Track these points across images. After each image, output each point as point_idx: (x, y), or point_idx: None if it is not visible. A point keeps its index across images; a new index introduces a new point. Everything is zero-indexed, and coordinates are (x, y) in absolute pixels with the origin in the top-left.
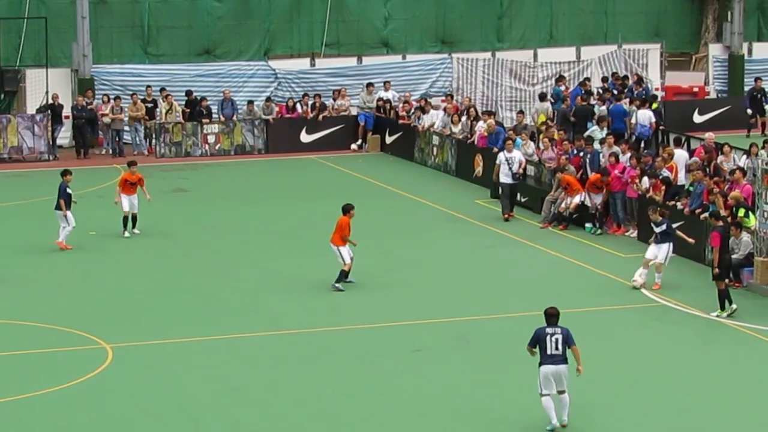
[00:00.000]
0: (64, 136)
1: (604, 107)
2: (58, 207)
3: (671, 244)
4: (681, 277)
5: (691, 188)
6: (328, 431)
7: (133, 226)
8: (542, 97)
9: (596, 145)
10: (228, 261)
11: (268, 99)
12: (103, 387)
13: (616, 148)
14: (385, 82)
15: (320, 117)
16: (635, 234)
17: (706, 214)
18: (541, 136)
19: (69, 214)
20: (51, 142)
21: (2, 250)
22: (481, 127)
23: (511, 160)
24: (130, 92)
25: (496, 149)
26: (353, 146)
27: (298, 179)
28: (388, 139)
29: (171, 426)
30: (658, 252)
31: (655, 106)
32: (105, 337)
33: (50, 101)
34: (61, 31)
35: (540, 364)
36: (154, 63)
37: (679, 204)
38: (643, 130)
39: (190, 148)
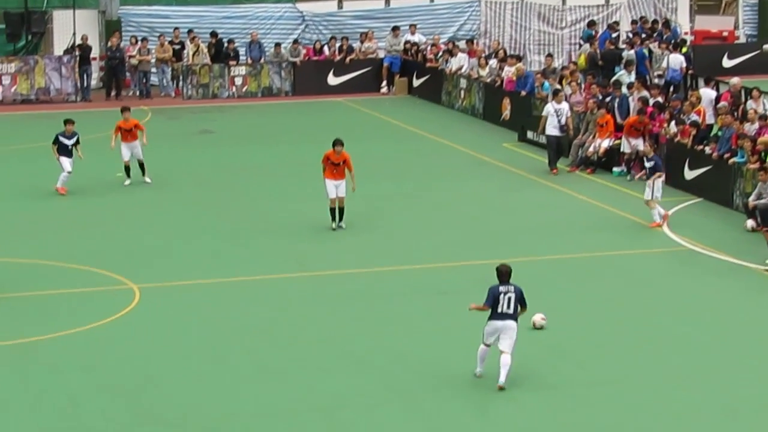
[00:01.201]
0: (93, 77)
1: (632, 51)
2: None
3: (661, 179)
4: (708, 222)
5: (719, 133)
6: (355, 372)
7: (143, 174)
8: (588, 38)
9: (624, 90)
10: (254, 203)
11: (296, 41)
12: (129, 327)
13: (644, 93)
14: (411, 25)
15: (347, 60)
16: (663, 178)
17: (735, 159)
18: (564, 81)
19: (63, 159)
20: (78, 84)
21: (31, 191)
22: (509, 70)
23: (559, 112)
24: (158, 34)
25: (524, 93)
26: (383, 89)
27: (325, 122)
28: (416, 83)
29: (197, 367)
30: (655, 189)
31: (684, 50)
32: (132, 277)
33: (79, 42)
34: None
35: (489, 318)
36: (182, 5)
37: (707, 149)
38: (674, 74)
39: (217, 90)
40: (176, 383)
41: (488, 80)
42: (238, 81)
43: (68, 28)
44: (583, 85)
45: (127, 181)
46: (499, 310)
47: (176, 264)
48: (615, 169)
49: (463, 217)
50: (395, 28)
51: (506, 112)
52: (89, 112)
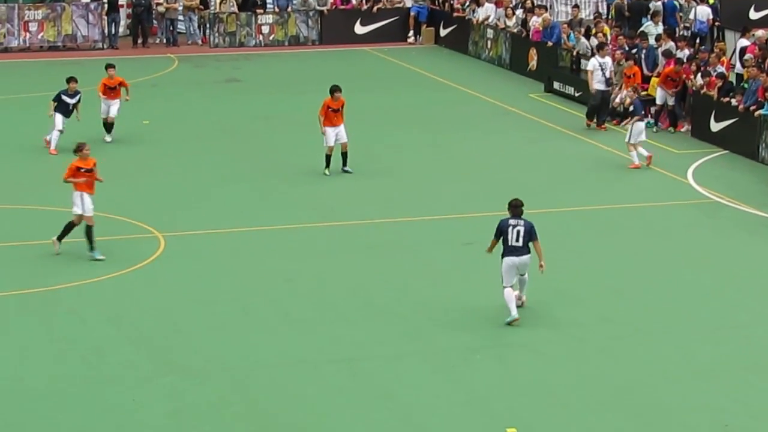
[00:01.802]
0: (120, 25)
1: (659, 2)
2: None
3: (642, 123)
4: (734, 174)
5: (745, 85)
6: (378, 322)
7: (108, 132)
8: None
9: (651, 41)
10: (280, 152)
11: None
12: (154, 275)
13: (670, 44)
14: None
15: (374, 9)
16: (689, 130)
17: (761, 111)
18: (593, 31)
19: (57, 117)
20: (105, 31)
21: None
22: (535, 21)
23: (604, 66)
24: None
25: (550, 43)
26: (410, 38)
27: (352, 71)
28: (443, 32)
29: (221, 315)
30: (634, 132)
31: (711, 1)
32: (158, 226)
33: None
34: None
35: (502, 256)
36: None
37: (733, 101)
38: (701, 26)
39: (244, 38)
40: (200, 333)
41: (515, 30)
42: (265, 29)
43: None
44: (609, 37)
45: (107, 138)
46: (510, 243)
47: (201, 213)
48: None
49: (488, 168)
50: None
51: (533, 63)
52: (116, 60)
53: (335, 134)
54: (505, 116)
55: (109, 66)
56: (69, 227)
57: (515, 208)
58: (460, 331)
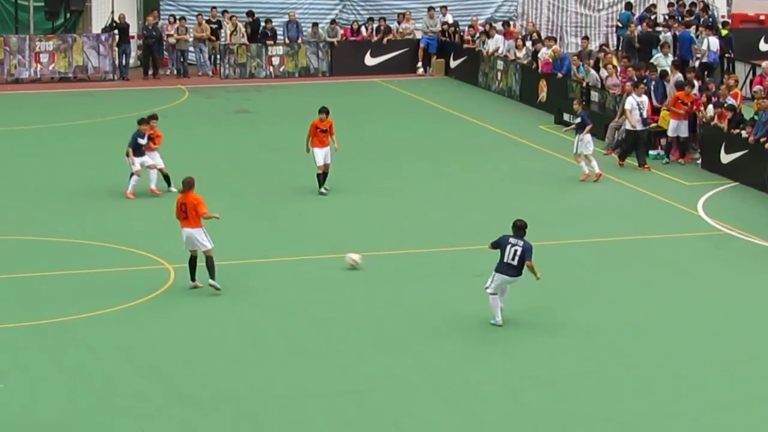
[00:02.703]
0: (131, 56)
1: (669, 34)
2: (127, 154)
3: (589, 135)
4: (744, 206)
5: (756, 117)
6: (389, 354)
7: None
8: (625, 21)
9: (666, 68)
10: (289, 183)
11: (333, 21)
12: (164, 307)
13: (678, 75)
14: (442, 7)
15: (385, 40)
16: (699, 161)
17: None
18: (602, 63)
19: (136, 160)
20: (116, 62)
21: (68, 169)
22: (545, 52)
23: (642, 105)
24: (195, 12)
25: (560, 75)
26: (420, 70)
27: (362, 102)
28: (453, 63)
29: (230, 346)
30: (581, 144)
31: (725, 32)
32: (167, 257)
33: (117, 21)
34: None
35: (496, 270)
36: None
37: (743, 132)
38: (714, 57)
39: (255, 69)
40: (210, 364)
41: (525, 62)
42: (276, 61)
43: (106, 6)
44: (619, 68)
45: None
46: (505, 259)
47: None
48: (651, 151)
49: (498, 199)
50: (430, 9)
51: (543, 94)
52: (127, 91)
53: (323, 154)
54: (515, 147)
55: (151, 118)
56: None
57: (519, 228)
58: (470, 363)
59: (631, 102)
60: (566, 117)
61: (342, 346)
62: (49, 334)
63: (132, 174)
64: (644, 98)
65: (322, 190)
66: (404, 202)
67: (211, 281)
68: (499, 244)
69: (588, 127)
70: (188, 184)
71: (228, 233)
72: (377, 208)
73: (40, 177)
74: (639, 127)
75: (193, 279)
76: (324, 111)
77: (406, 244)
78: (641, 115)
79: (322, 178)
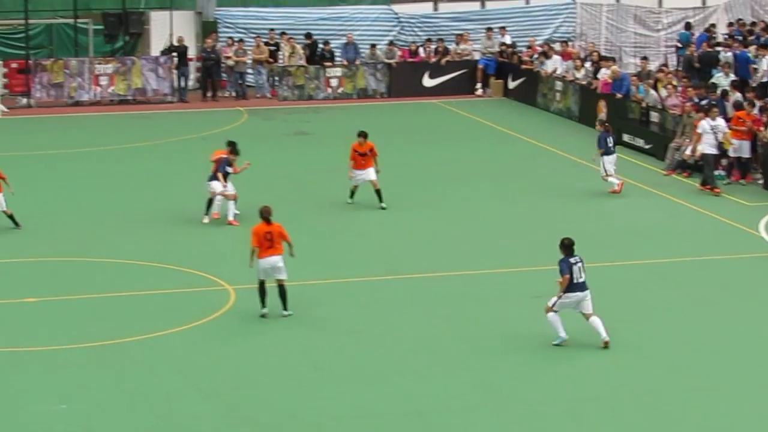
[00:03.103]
0: (190, 78)
1: (729, 54)
2: (213, 178)
3: (612, 155)
4: None
5: None
6: (450, 375)
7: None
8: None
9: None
10: (348, 205)
11: (391, 43)
12: (225, 328)
13: (737, 95)
14: (501, 28)
15: (443, 61)
16: (761, 182)
17: None
18: (661, 83)
19: (217, 184)
20: (175, 85)
21: (125, 191)
22: (604, 73)
23: (716, 129)
24: (254, 35)
25: (619, 95)
26: (478, 91)
27: (420, 123)
28: (511, 84)
29: (291, 367)
30: (604, 164)
31: None
32: (228, 278)
33: (175, 43)
34: None
35: (566, 291)
36: (278, 6)
37: None
38: None
39: (313, 91)
40: (270, 385)
41: (584, 82)
42: (334, 82)
43: (165, 28)
44: (679, 88)
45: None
46: (575, 280)
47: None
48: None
49: (557, 220)
50: (488, 29)
51: (602, 115)
52: (185, 113)
53: (360, 177)
54: (573, 168)
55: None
56: (282, 291)
57: (569, 247)
58: (530, 384)
59: (704, 126)
60: (626, 138)
61: (403, 366)
62: (109, 355)
63: (211, 199)
64: (719, 121)
65: (350, 200)
66: (464, 222)
67: (285, 312)
68: (570, 270)
69: (599, 150)
70: (269, 213)
71: (288, 254)
72: (437, 228)
73: (101, 199)
74: (713, 151)
75: (264, 306)
76: (362, 135)
77: (466, 265)
78: (716, 138)
79: (354, 193)
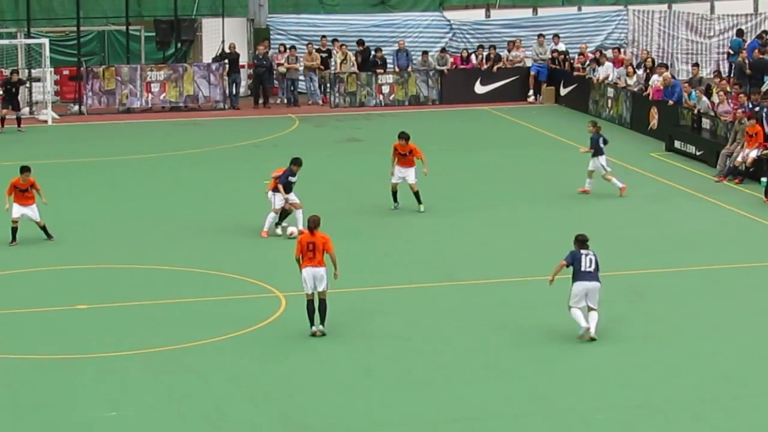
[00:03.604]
0: (241, 85)
1: None
2: (275, 189)
3: (604, 155)
4: None
5: None
6: (500, 382)
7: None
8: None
9: None
10: (400, 211)
11: (443, 50)
12: (275, 335)
13: None
14: (554, 35)
15: (495, 68)
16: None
17: None
18: (714, 90)
19: (280, 198)
20: (227, 92)
21: (177, 198)
22: (656, 80)
23: None
24: (305, 42)
25: (671, 102)
26: (530, 98)
27: (472, 130)
28: (563, 91)
29: (341, 374)
30: (596, 164)
31: None
32: (279, 285)
33: (227, 50)
34: None
35: (574, 281)
36: (330, 13)
37: None
38: None
39: (365, 98)
40: (321, 392)
41: (636, 89)
42: (385, 89)
43: (217, 35)
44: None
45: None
46: (582, 268)
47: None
48: (763, 179)
49: (609, 227)
50: (540, 36)
51: (654, 122)
52: (237, 120)
53: (400, 175)
54: (625, 175)
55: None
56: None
57: (583, 242)
58: (580, 391)
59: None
60: (677, 144)
61: (453, 373)
62: (161, 362)
63: (271, 212)
64: None
65: (393, 207)
66: (515, 229)
67: (321, 327)
68: (574, 258)
69: (590, 149)
70: (315, 223)
71: (340, 260)
72: (488, 235)
73: (152, 206)
74: None
75: (313, 324)
76: (403, 137)
77: (518, 271)
78: None
79: (396, 195)
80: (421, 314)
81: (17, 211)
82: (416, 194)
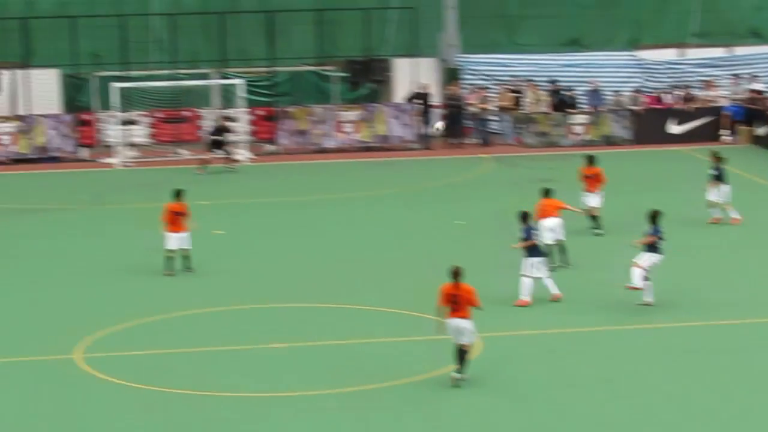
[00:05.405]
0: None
1: None
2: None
3: (727, 185)
4: None
5: None
6: (700, 427)
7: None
8: None
9: None
10: (604, 251)
11: (637, 90)
12: (474, 375)
13: None
14: (751, 75)
15: (692, 106)
16: None
17: None
18: None
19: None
20: (420, 131)
21: (372, 239)
22: None
23: None
24: (496, 82)
25: None
26: (725, 138)
27: (665, 170)
28: (759, 131)
29: (536, 415)
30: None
31: None
32: (479, 327)
33: (420, 90)
34: (427, 20)
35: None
36: (521, 53)
37: None
38: None
39: (557, 138)
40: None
41: None
42: (578, 129)
43: (408, 75)
44: None
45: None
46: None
47: (519, 314)
48: None
49: None
50: (736, 76)
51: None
52: (430, 160)
53: (593, 199)
54: None
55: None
56: (461, 354)
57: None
58: None
59: None
60: None
61: (651, 418)
62: (355, 401)
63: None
64: None
65: (599, 231)
66: (711, 270)
67: (455, 374)
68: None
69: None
70: (458, 274)
71: (537, 303)
72: (683, 276)
73: (346, 245)
74: None
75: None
76: (590, 160)
77: (712, 316)
78: None
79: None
80: (618, 356)
81: (174, 242)
82: (595, 218)
